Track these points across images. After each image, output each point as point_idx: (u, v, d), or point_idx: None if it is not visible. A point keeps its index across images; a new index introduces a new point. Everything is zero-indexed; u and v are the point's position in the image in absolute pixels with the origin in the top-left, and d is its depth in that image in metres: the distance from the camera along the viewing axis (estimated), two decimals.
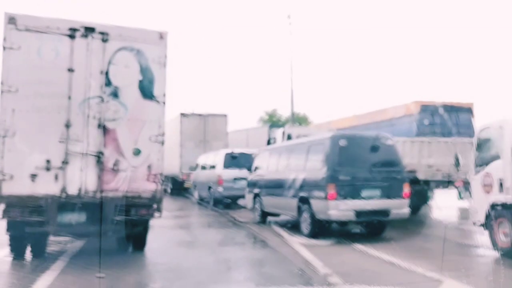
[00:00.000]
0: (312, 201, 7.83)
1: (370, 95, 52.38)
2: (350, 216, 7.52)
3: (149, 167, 5.93)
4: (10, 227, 5.75)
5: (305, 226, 8.03)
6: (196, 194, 15.75)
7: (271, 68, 64.53)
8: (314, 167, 8.04)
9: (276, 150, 10.37)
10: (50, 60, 5.68)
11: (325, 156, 7.80)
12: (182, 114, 17.78)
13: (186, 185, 17.14)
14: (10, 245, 6.00)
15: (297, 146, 9.36)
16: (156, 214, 6.06)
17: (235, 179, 12.96)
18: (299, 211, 8.26)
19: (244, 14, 64.01)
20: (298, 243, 7.37)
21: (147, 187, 5.91)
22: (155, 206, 6.03)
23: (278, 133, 16.42)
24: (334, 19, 61.57)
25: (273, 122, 31.17)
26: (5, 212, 5.52)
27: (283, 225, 9.44)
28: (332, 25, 64.57)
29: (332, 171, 7.59)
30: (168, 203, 14.91)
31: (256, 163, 10.86)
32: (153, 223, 7.18)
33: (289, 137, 15.05)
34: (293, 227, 8.74)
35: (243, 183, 11.94)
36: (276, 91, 61.51)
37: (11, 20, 5.56)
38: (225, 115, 18.20)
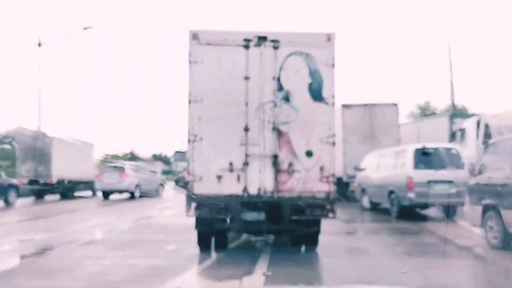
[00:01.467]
0: None
1: None
2: None
3: (321, 168, 7.31)
4: (199, 224, 7.74)
5: None
6: (365, 200, 15.63)
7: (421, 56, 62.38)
8: None
9: None
10: (228, 70, 7.46)
11: None
12: (344, 106, 17.90)
13: (351, 188, 17.20)
14: (198, 240, 8.04)
15: None
16: (330, 214, 7.38)
17: (429, 182, 12.24)
18: None
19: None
20: None
21: (320, 188, 7.29)
22: (328, 207, 7.36)
23: (468, 124, 15.68)
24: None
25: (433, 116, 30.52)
26: (196, 210, 7.46)
27: None
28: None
29: None
30: None
31: (484, 160, 9.17)
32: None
33: (486, 130, 14.21)
34: None
35: (442, 188, 11.74)
36: (427, 83, 59.36)
37: (195, 36, 7.48)
38: (395, 104, 18.02)
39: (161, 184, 26.52)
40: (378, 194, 14.43)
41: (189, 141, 7.43)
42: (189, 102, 7.46)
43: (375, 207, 15.01)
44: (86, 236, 10.77)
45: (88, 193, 26.24)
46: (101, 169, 24.55)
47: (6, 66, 77.15)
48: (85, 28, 27.50)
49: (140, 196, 23.29)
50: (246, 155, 7.38)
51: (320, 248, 8.05)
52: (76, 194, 25.12)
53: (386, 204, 13.95)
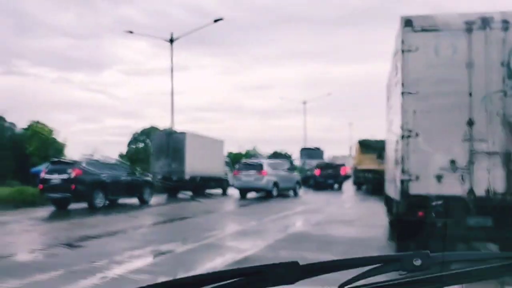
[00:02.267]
0: None
1: None
2: None
3: None
4: (407, 228, 7.68)
5: None
6: None
7: None
8: None
9: None
10: (447, 58, 7.27)
11: None
12: None
13: None
14: (399, 246, 7.99)
15: None
16: None
17: None
18: None
19: None
20: None
21: None
22: None
23: None
24: None
25: None
26: (409, 212, 7.34)
27: None
28: None
29: None
30: None
31: None
32: None
33: None
34: None
35: None
36: None
37: (408, 22, 7.38)
38: None
39: (298, 182, 26.55)
40: None
41: (402, 136, 7.36)
42: (402, 94, 7.38)
43: None
44: (235, 250, 9.42)
45: (218, 190, 27.29)
46: (238, 166, 25.34)
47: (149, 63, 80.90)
48: (215, 21, 28.38)
49: (277, 196, 23.63)
50: (471, 152, 7.14)
51: None
52: (207, 191, 26.18)
53: None
